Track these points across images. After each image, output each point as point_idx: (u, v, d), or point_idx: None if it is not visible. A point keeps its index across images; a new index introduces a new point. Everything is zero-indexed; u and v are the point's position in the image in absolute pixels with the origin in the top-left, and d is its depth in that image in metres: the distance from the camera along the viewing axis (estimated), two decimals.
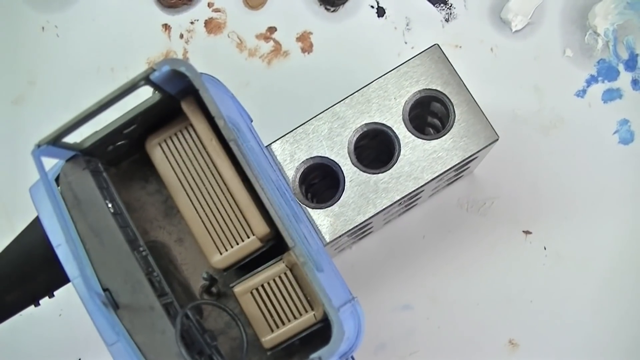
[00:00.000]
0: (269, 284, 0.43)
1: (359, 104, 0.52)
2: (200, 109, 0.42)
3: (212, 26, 0.68)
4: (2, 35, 0.69)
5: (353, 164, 0.52)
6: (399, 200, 0.51)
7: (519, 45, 0.66)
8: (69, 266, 0.40)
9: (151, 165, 0.45)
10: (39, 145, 0.38)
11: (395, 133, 0.52)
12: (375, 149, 0.57)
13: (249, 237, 0.43)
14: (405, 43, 0.67)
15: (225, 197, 0.43)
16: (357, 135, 0.52)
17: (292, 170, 0.52)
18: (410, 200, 0.56)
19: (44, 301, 0.47)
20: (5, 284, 0.46)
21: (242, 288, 0.43)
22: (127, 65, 0.68)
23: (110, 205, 0.41)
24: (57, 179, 0.42)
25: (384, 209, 0.51)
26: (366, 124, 0.52)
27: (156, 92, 0.41)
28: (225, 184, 0.43)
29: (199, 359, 0.39)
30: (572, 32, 0.66)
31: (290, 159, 0.52)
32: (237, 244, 0.43)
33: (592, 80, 0.66)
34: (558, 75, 0.66)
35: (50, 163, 0.41)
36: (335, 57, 0.67)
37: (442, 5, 0.67)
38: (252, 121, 0.51)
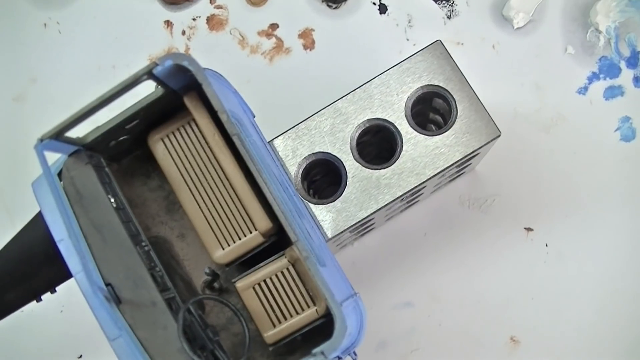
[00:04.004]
0: (271, 279, 0.43)
1: (361, 100, 0.52)
2: (203, 103, 0.42)
3: (214, 23, 0.68)
4: (3, 33, 0.69)
5: (355, 159, 0.52)
6: (400, 196, 0.51)
7: (521, 43, 0.66)
8: (72, 261, 0.40)
9: (153, 160, 0.45)
10: (41, 140, 0.38)
11: (397, 129, 0.52)
12: (378, 145, 0.57)
13: (251, 232, 0.43)
14: (407, 40, 0.67)
15: (227, 192, 0.43)
16: (359, 131, 0.52)
17: (294, 166, 0.52)
18: (412, 197, 0.56)
19: (46, 297, 0.47)
20: (6, 280, 0.46)
21: (244, 283, 0.43)
22: (128, 62, 0.68)
23: (112, 200, 0.41)
24: (59, 174, 0.42)
25: (385, 205, 0.51)
26: (368, 120, 0.52)
27: (159, 87, 0.41)
28: (227, 179, 0.43)
29: (201, 354, 0.39)
30: (573, 29, 0.66)
31: (293, 154, 0.52)
32: (240, 239, 0.43)
33: (593, 77, 0.66)
34: (559, 72, 0.66)
35: (53, 159, 0.41)
36: (337, 53, 0.67)
37: (444, 2, 0.67)
38: (254, 116, 0.51)
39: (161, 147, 0.44)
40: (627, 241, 0.63)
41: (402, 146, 0.52)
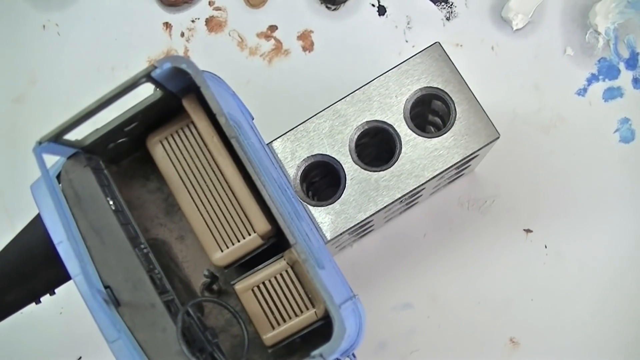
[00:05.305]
0: (270, 281, 0.43)
1: (360, 102, 0.52)
2: (202, 106, 0.42)
3: (213, 25, 0.68)
4: (3, 34, 0.69)
5: (354, 161, 0.52)
6: (399, 198, 0.51)
7: (520, 44, 0.66)
8: (70, 263, 0.40)
9: (152, 163, 0.45)
10: (40, 143, 0.38)
11: (396, 131, 0.52)
12: (376, 147, 0.57)
13: (250, 235, 0.43)
14: (406, 42, 0.67)
15: (226, 194, 0.43)
16: (358, 133, 0.52)
17: (293, 168, 0.52)
18: (411, 199, 0.56)
19: (45, 299, 0.47)
20: (6, 282, 0.46)
21: (243, 285, 0.43)
22: (127, 64, 0.68)
23: (111, 202, 0.41)
24: (58, 177, 0.42)
25: (384, 207, 0.51)
26: (367, 122, 0.52)
27: (157, 89, 0.41)
28: (226, 182, 0.43)
29: (200, 357, 0.39)
30: (572, 30, 0.66)
31: (292, 156, 0.52)
32: (239, 241, 0.43)
33: (592, 79, 0.66)
34: (559, 73, 0.66)
35: (51, 161, 0.41)
36: (336, 55, 0.67)
37: (443, 3, 0.67)
38: (253, 119, 0.51)
39: (160, 150, 0.44)
40: (627, 242, 0.63)
41: (401, 148, 0.52)
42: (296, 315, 0.43)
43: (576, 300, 0.62)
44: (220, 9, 0.68)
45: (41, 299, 0.47)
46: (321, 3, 0.68)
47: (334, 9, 0.68)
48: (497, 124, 0.52)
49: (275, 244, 0.44)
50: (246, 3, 0.68)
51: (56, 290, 0.47)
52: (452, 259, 0.63)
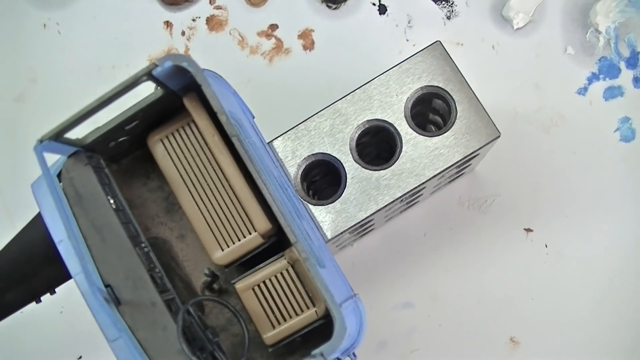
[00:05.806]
0: (270, 280, 0.43)
1: (360, 100, 0.52)
2: (203, 105, 0.42)
3: (213, 23, 0.68)
4: (3, 33, 0.69)
5: (355, 160, 0.52)
6: (400, 197, 0.51)
7: (521, 43, 0.66)
8: (71, 262, 0.40)
9: (153, 161, 0.45)
10: (41, 141, 0.38)
11: (397, 130, 0.52)
12: (377, 145, 0.57)
13: (250, 234, 0.43)
14: (407, 40, 0.67)
15: (227, 193, 0.43)
16: (358, 132, 0.52)
17: (293, 167, 0.52)
18: (411, 198, 0.56)
19: (45, 298, 0.47)
20: (6, 281, 0.46)
21: (243, 284, 0.43)
22: (128, 62, 0.68)
23: (112, 201, 0.41)
24: (58, 175, 0.42)
25: (385, 206, 0.51)
26: (368, 121, 0.52)
27: (158, 88, 0.41)
28: (227, 180, 0.43)
29: (201, 356, 0.39)
30: (573, 30, 0.66)
31: (292, 155, 0.52)
32: (239, 240, 0.43)
33: (593, 78, 0.65)
34: (559, 73, 0.66)
35: (52, 159, 0.41)
36: (336, 54, 0.67)
37: (443, 2, 0.67)
38: (254, 117, 0.51)
39: (161, 148, 0.44)
40: (627, 241, 0.63)
41: (401, 147, 0.52)
42: (297, 314, 0.43)
43: (576, 300, 0.62)
44: (220, 8, 0.68)
45: (42, 298, 0.47)
46: (322, 2, 0.68)
47: (335, 8, 0.68)
48: (497, 122, 0.52)
49: (276, 242, 0.44)
50: (247, 2, 0.68)
51: (57, 289, 0.47)
52: (452, 258, 0.63)
